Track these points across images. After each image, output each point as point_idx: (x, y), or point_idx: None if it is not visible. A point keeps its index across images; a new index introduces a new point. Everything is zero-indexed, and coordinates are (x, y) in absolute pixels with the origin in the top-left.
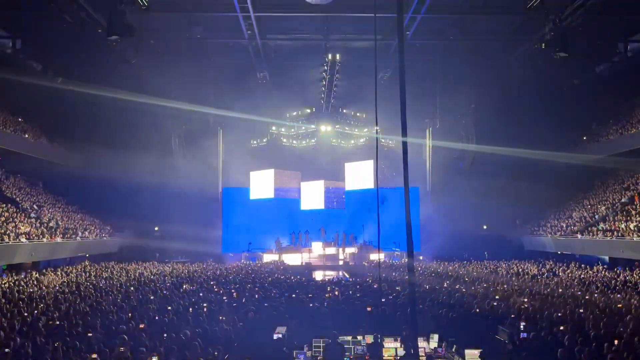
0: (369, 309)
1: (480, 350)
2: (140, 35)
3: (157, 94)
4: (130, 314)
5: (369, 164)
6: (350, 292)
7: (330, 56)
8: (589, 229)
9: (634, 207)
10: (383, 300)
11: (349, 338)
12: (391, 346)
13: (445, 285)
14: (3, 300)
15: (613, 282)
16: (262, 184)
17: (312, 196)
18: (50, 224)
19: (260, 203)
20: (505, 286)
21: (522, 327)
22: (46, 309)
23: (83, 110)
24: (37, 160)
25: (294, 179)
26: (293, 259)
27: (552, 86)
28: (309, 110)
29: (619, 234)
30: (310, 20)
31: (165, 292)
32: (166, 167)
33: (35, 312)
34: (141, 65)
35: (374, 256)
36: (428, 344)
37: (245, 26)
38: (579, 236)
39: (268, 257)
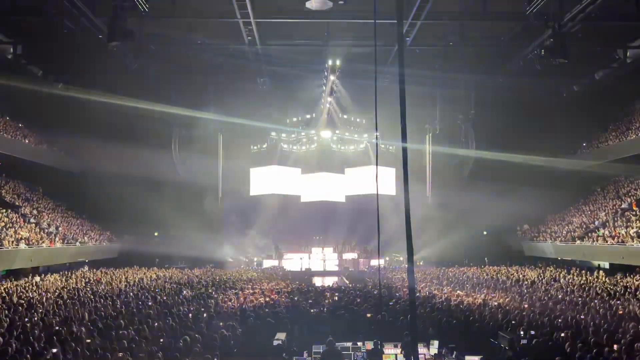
0: (368, 315)
1: (480, 357)
2: (141, 40)
3: (158, 99)
4: (129, 320)
5: (369, 170)
6: (351, 297)
7: (330, 62)
8: (589, 235)
9: (633, 213)
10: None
11: (349, 344)
12: (391, 352)
13: (445, 291)
14: (2, 306)
15: (613, 288)
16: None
17: (312, 189)
18: (50, 230)
19: (261, 206)
20: (505, 292)
21: (522, 333)
22: (45, 315)
23: (83, 115)
24: (37, 166)
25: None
26: (293, 265)
27: (552, 92)
28: (309, 116)
29: (619, 240)
30: (311, 26)
31: (164, 297)
32: (166, 172)
33: (34, 317)
34: (141, 70)
35: (375, 262)
36: (428, 350)
37: (246, 32)
38: (579, 242)
39: (268, 263)
